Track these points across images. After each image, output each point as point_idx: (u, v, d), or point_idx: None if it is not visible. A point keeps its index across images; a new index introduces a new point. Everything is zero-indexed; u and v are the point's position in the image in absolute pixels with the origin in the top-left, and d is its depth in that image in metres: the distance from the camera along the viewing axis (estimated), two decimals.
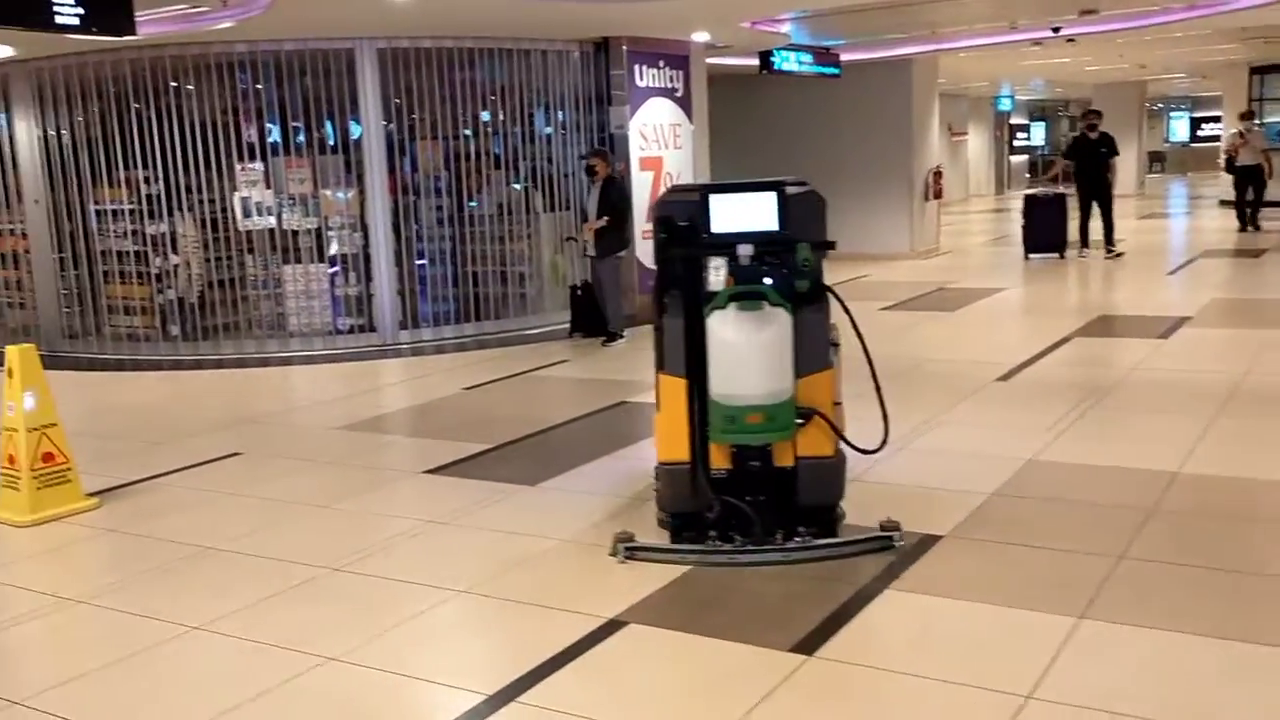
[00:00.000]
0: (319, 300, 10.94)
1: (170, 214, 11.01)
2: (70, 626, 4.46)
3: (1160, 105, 41.74)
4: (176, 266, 11.17)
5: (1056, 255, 15.12)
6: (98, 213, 11.30)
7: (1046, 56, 19.24)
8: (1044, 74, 25.11)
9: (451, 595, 4.46)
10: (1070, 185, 15.48)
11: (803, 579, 4.45)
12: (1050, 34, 13.79)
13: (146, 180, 10.92)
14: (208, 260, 11.26)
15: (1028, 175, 38.14)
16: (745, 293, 4.42)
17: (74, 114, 11.06)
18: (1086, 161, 15.02)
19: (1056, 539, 4.74)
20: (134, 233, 11.16)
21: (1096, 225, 14.94)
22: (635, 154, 11.90)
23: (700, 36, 12.14)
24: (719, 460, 4.56)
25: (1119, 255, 14.76)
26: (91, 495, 5.97)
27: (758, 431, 4.48)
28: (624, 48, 11.66)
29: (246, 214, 10.78)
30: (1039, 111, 39.90)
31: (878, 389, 4.90)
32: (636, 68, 11.87)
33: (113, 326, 11.44)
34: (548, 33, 11.18)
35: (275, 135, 10.77)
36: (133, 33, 7.63)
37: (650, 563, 4.62)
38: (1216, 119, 40.77)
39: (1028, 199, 15.83)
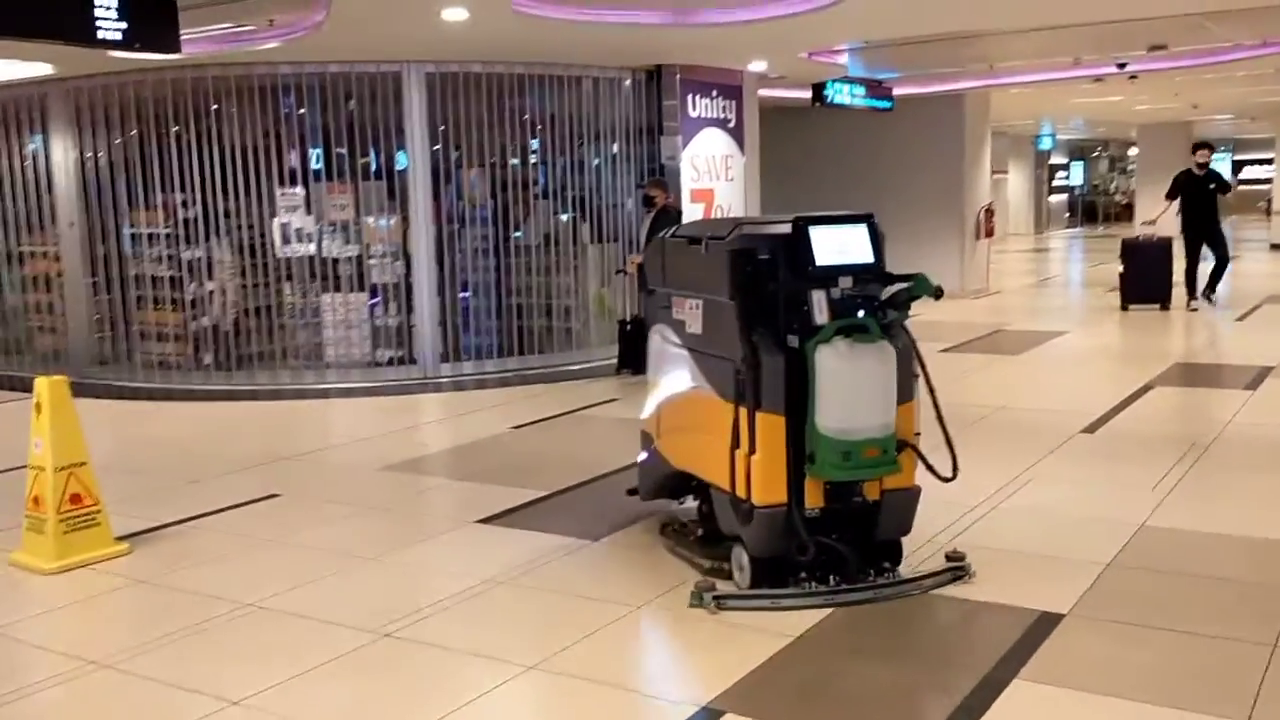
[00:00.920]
0: (358, 330, 10.54)
1: (207, 239, 10.67)
2: (94, 695, 4.01)
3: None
4: (211, 293, 10.80)
5: (1158, 307, 13.40)
6: (132, 236, 10.98)
7: (1099, 94, 18.76)
8: (1091, 113, 24.63)
9: (519, 671, 3.99)
10: (1147, 226, 14.07)
11: (914, 663, 3.96)
12: (1114, 70, 13.31)
13: (183, 204, 10.59)
14: (244, 287, 10.89)
15: (1067, 215, 37.62)
16: (857, 325, 4.33)
17: (111, 135, 10.75)
18: (1197, 200, 13.54)
19: (1196, 621, 4.23)
20: (169, 258, 10.81)
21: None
22: (687, 185, 11.50)
23: (757, 66, 11.76)
24: (813, 499, 4.41)
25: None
26: (121, 539, 5.55)
27: (873, 465, 4.39)
28: (677, 76, 11.29)
29: (286, 240, 10.41)
30: (1078, 151, 39.41)
31: (941, 421, 4.67)
32: (689, 97, 11.48)
33: (144, 354, 11.07)
34: (600, 59, 10.82)
35: (318, 161, 10.42)
36: (178, 50, 7.27)
37: (740, 611, 4.35)
38: (1261, 161, 40.28)
39: (1126, 245, 14.05)
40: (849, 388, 4.29)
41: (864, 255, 4.47)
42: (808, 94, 13.66)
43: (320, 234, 10.45)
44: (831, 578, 4.45)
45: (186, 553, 5.52)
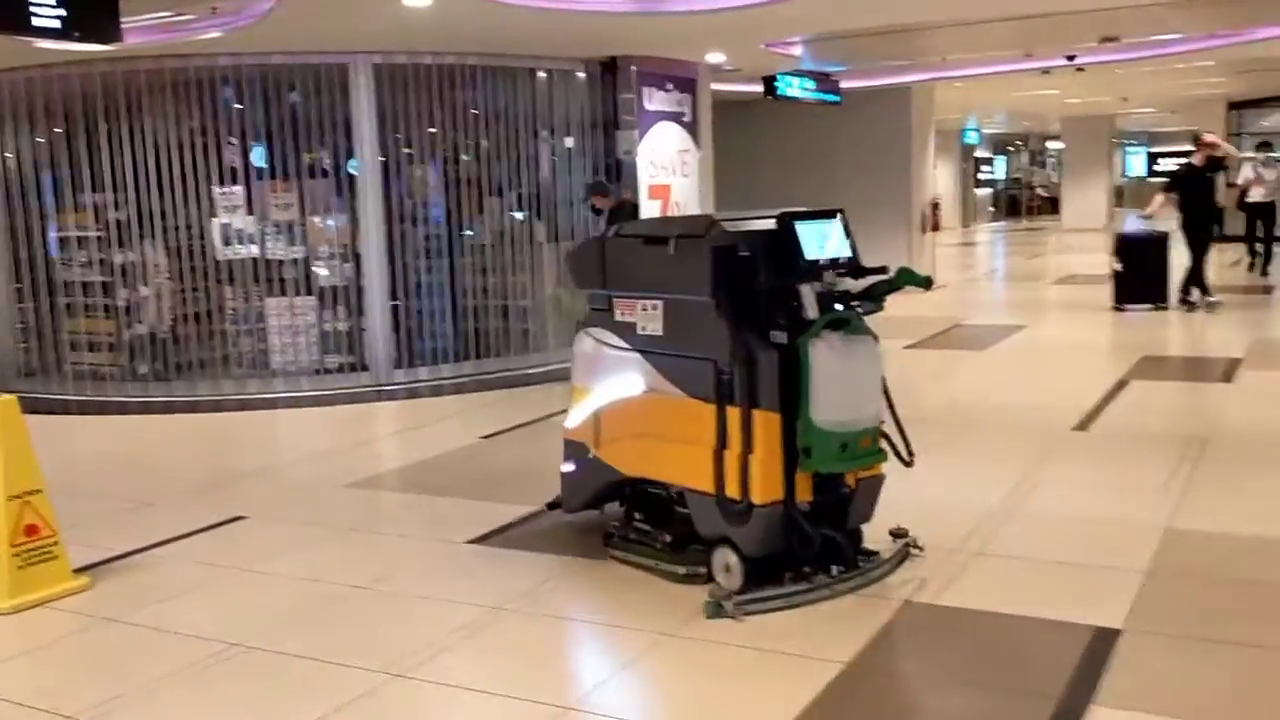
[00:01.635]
0: (305, 336, 10.03)
1: (140, 241, 10.07)
2: None
3: (1116, 140, 42.08)
4: (146, 299, 10.20)
5: (1151, 306, 12.59)
6: (60, 240, 10.33)
7: (1037, 88, 18.89)
8: (1021, 106, 24.87)
9: (558, 714, 3.63)
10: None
11: (984, 692, 3.70)
12: (1062, 62, 13.32)
13: (114, 205, 9.97)
14: (180, 292, 10.32)
15: (991, 209, 38.11)
16: (845, 319, 4.38)
17: (35, 132, 10.09)
18: (1199, 195, 12.69)
19: (1260, 632, 4.03)
20: (99, 262, 10.19)
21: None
22: (644, 181, 11.18)
23: (715, 57, 11.48)
24: (803, 493, 4.40)
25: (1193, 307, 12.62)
26: (79, 571, 5.06)
27: (867, 455, 4.46)
28: (633, 68, 10.95)
29: (226, 242, 9.86)
30: (999, 146, 39.94)
31: (892, 409, 4.69)
32: (645, 90, 11.16)
33: (74, 364, 10.42)
34: (555, 50, 10.44)
35: (260, 158, 9.89)
36: (119, 40, 6.78)
37: (764, 614, 4.26)
38: (1176, 154, 41.21)
39: (1121, 239, 13.06)
40: (844, 380, 4.30)
41: (843, 249, 4.55)
42: (758, 88, 13.51)
43: (263, 235, 9.92)
44: (833, 568, 4.47)
45: (153, 585, 5.05)
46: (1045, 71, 14.61)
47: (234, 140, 9.85)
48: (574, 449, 5.19)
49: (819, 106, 14.64)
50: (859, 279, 4.59)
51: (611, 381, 4.93)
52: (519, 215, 10.91)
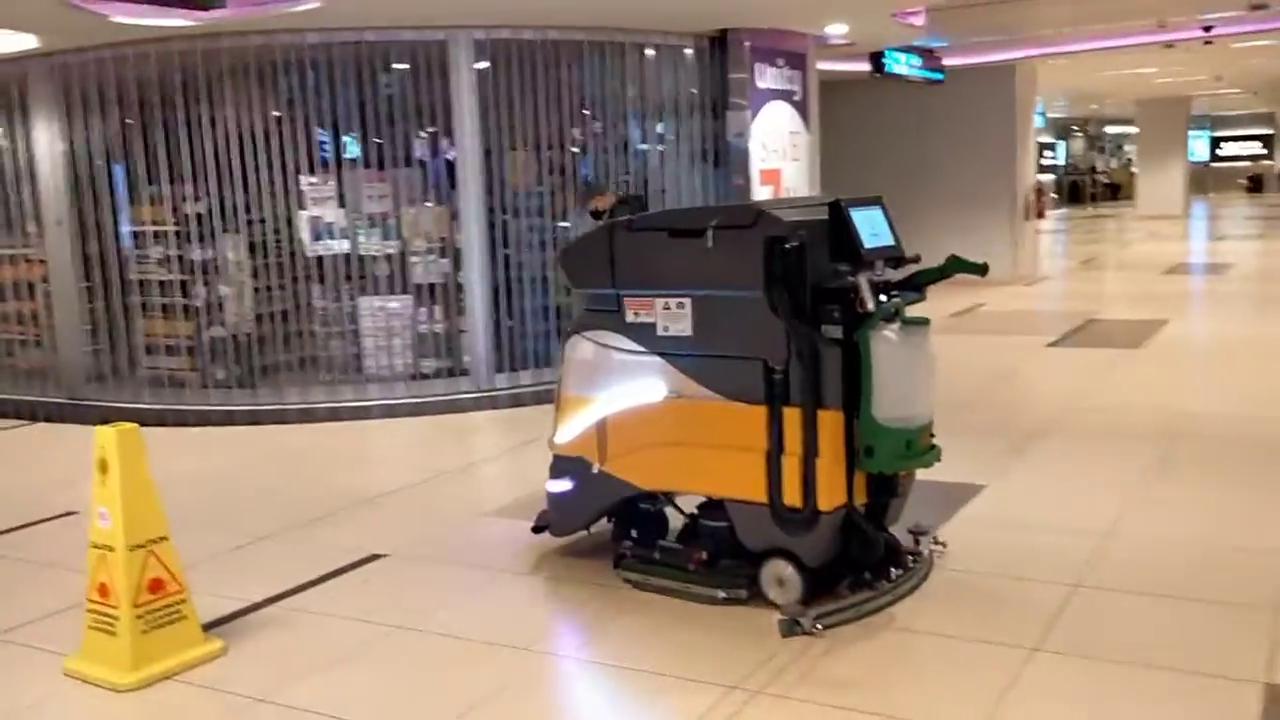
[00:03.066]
0: (400, 338, 9.22)
1: (217, 237, 9.29)
2: None
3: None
4: (225, 299, 9.42)
5: None
6: (133, 235, 9.57)
7: (1128, 65, 17.87)
8: (1104, 87, 23.74)
9: None
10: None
11: None
12: (1193, 35, 12.31)
13: (191, 198, 9.20)
14: (266, 290, 9.53)
15: (1054, 195, 36.92)
16: (898, 309, 4.16)
17: (106, 119, 9.30)
18: None
19: None
20: (175, 259, 9.42)
21: None
22: (755, 166, 10.30)
23: (836, 29, 10.56)
24: (860, 495, 4.25)
25: None
26: (208, 628, 4.25)
27: (928, 452, 4.33)
28: (746, 43, 10.06)
29: (317, 237, 9.06)
30: (1060, 131, 38.76)
31: None
32: (757, 67, 10.27)
33: (150, 369, 9.66)
34: (663, 22, 9.56)
35: (352, 146, 9.07)
36: (222, 5, 5.99)
37: (843, 625, 4.04)
38: (1245, 138, 39.90)
39: None
40: (905, 374, 4.14)
41: (888, 237, 4.37)
42: (859, 66, 12.61)
43: (354, 229, 9.11)
44: (892, 571, 4.34)
45: (300, 649, 4.23)
46: (1169, 45, 13.59)
47: (323, 126, 9.04)
48: (569, 465, 4.77)
49: (916, 87, 13.69)
50: (899, 269, 4.40)
51: (621, 389, 4.56)
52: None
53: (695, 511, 4.61)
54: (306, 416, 8.79)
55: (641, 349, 4.50)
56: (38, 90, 9.47)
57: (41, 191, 9.68)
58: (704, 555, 4.42)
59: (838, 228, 4.20)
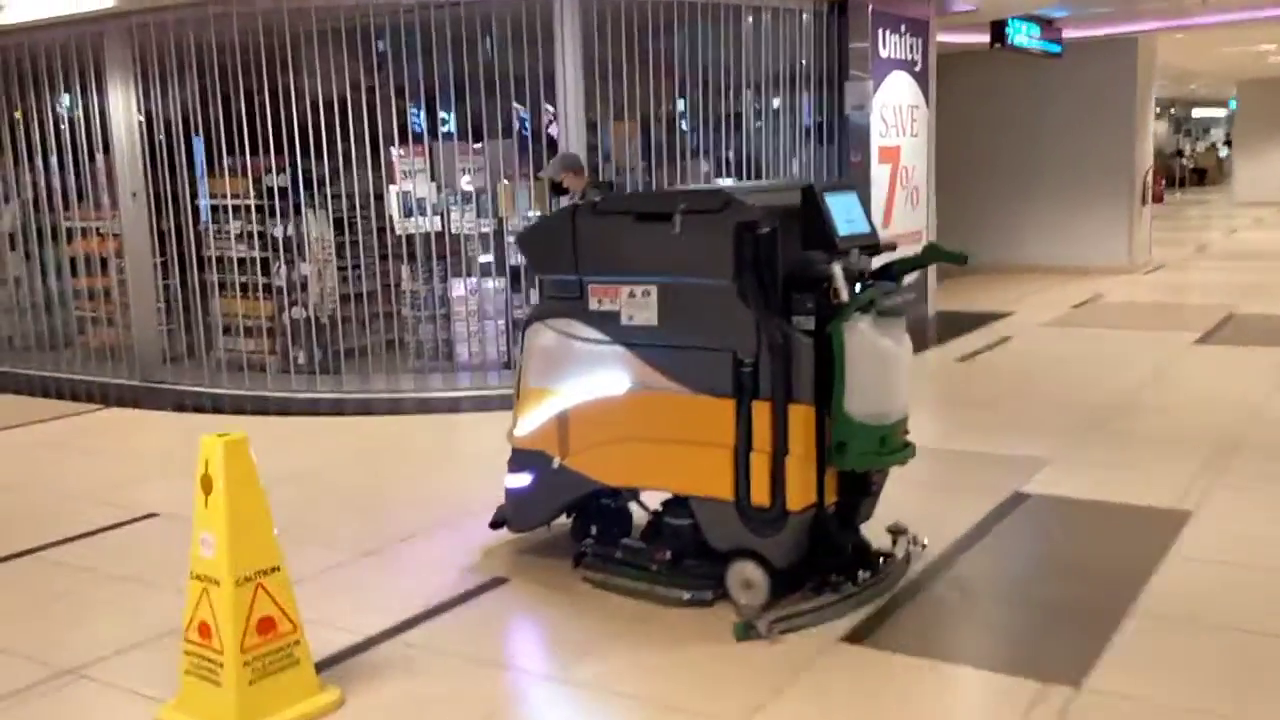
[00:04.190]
0: (495, 324, 8.59)
1: (299, 212, 8.70)
2: None
3: None
4: (306, 278, 8.84)
5: None
6: (211, 209, 9.01)
7: (1254, 41, 16.74)
8: (1215, 66, 22.49)
9: None
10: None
11: None
12: None
13: (272, 170, 8.62)
14: (342, 269, 8.95)
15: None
16: (872, 300, 3.96)
17: (184, 85, 8.73)
18: None
19: None
20: (255, 234, 8.85)
21: None
22: (875, 142, 9.52)
23: None
24: (831, 494, 4.06)
25: None
26: (318, 668, 3.62)
27: (903, 448, 4.13)
28: (869, 7, 9.27)
29: (406, 213, 8.43)
30: None
31: None
32: (879, 33, 9.48)
33: (228, 350, 9.12)
34: None
35: (447, 119, 8.42)
36: None
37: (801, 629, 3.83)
38: None
39: None
40: (882, 368, 3.96)
41: (864, 224, 4.16)
42: (968, 37, 11.79)
43: (447, 205, 8.48)
44: (860, 573, 4.12)
45: (429, 699, 3.58)
46: None
47: (416, 95, 8.40)
48: (528, 459, 4.56)
49: (1031, 61, 12.81)
50: (874, 257, 4.17)
51: (584, 380, 4.33)
52: (725, 182, 9.32)
53: (659, 508, 4.37)
54: (394, 407, 8.18)
55: (605, 338, 4.27)
56: (113, 53, 8.94)
57: (116, 162, 9.17)
58: (668, 555, 4.23)
59: (810, 214, 4.00)
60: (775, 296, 3.91)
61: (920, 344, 9.92)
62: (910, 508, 5.36)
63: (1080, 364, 8.64)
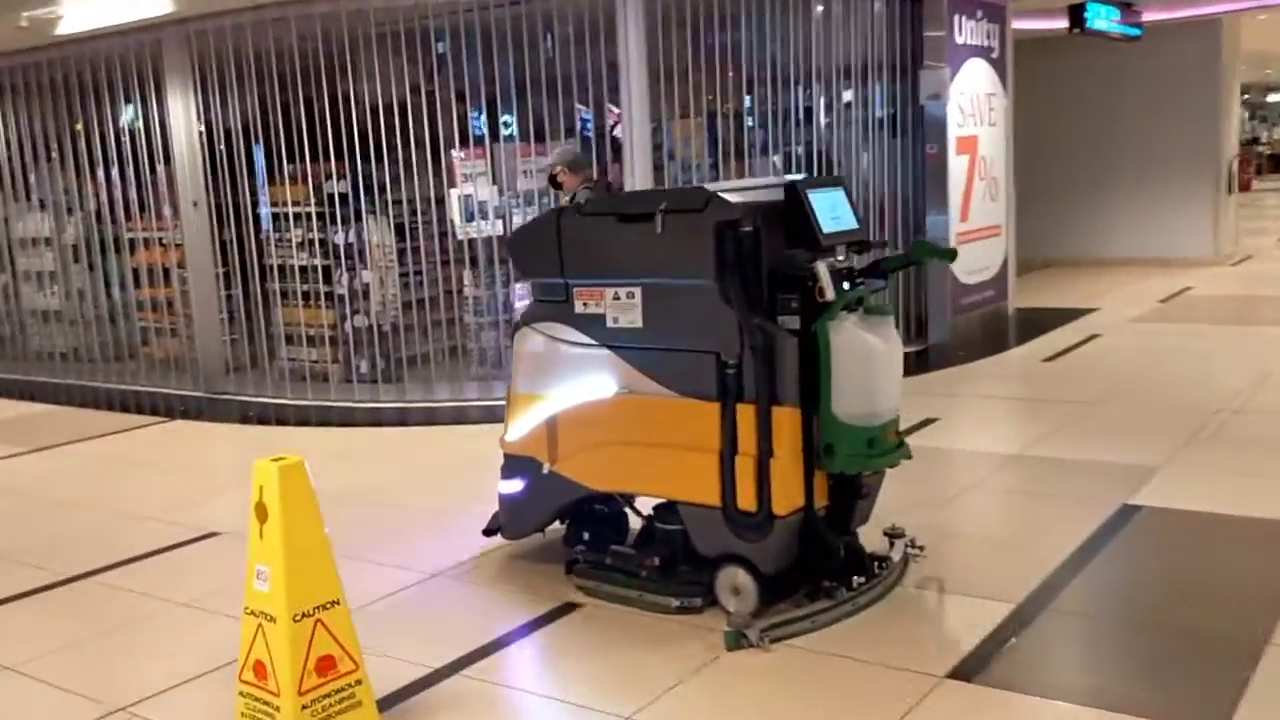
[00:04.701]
0: None
1: (360, 218, 8.54)
2: None
3: None
4: (368, 285, 8.67)
5: None
6: (272, 217, 8.88)
7: None
8: None
9: None
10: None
11: None
12: None
13: (334, 176, 8.46)
14: (403, 276, 8.78)
15: None
16: (861, 298, 3.95)
17: (244, 92, 8.61)
18: None
19: None
20: (315, 242, 8.71)
21: None
22: (952, 132, 9.13)
23: None
24: (821, 497, 3.95)
25: None
26: (382, 706, 3.39)
27: (894, 450, 4.05)
28: None
29: (468, 217, 8.22)
30: None
31: None
32: (956, 19, 9.09)
33: (290, 360, 8.99)
34: None
35: (509, 122, 8.20)
36: None
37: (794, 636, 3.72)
38: None
39: None
40: (870, 367, 3.88)
41: (851, 221, 4.09)
42: (1044, 23, 11.33)
43: (509, 208, 8.26)
44: (854, 579, 4.00)
45: None
46: None
47: (477, 97, 8.19)
48: (519, 465, 4.51)
49: (1110, 46, 12.28)
50: (863, 254, 4.14)
51: (571, 384, 4.28)
52: (795, 178, 8.98)
53: (652, 513, 4.30)
54: (458, 416, 7.96)
55: (591, 341, 4.22)
56: (172, 61, 8.85)
57: (177, 172, 9.08)
58: (656, 561, 4.14)
59: (794, 211, 3.91)
60: (759, 296, 3.84)
61: (1001, 343, 9.56)
62: (1009, 522, 5.04)
63: (1178, 362, 8.18)
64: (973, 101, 9.38)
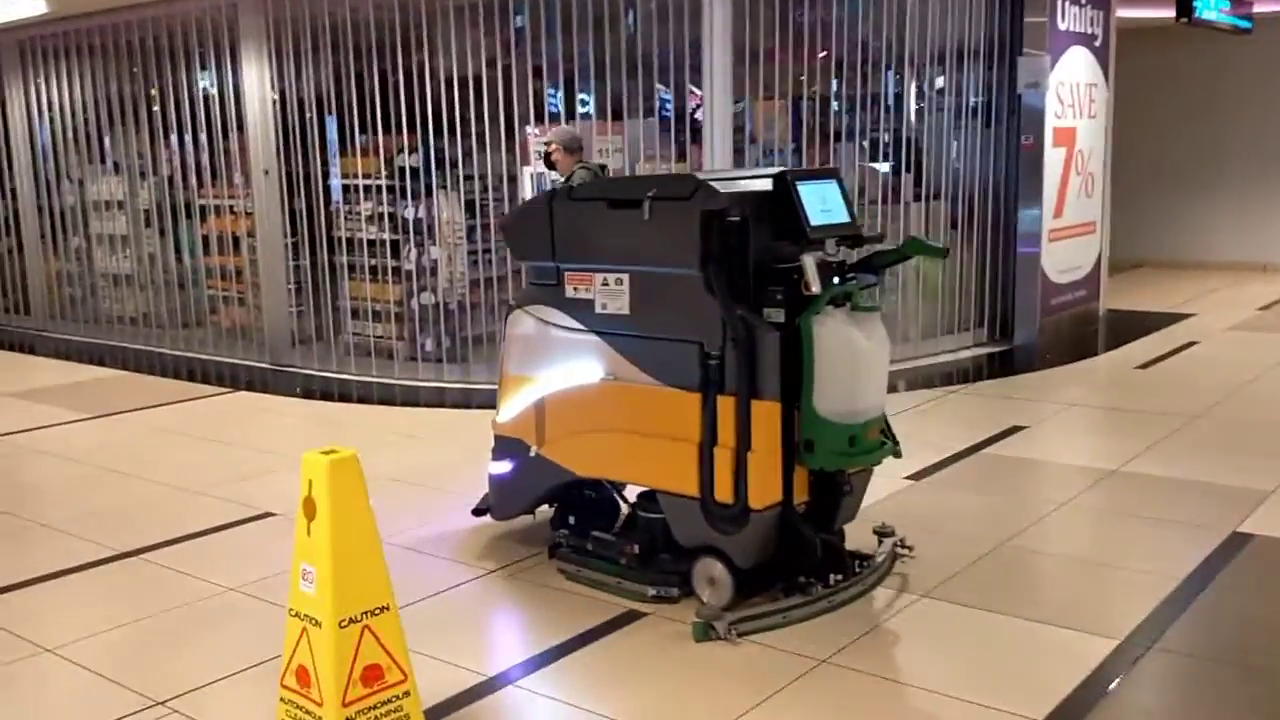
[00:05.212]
0: None
1: (431, 193, 8.36)
2: None
3: None
4: (436, 262, 8.49)
5: None
6: (343, 189, 8.74)
7: None
8: None
9: None
10: None
11: None
12: None
13: (406, 149, 8.28)
14: (473, 253, 8.57)
15: None
16: (849, 293, 3.85)
17: (318, 61, 8.46)
18: None
19: None
20: (385, 216, 8.54)
21: None
22: (1049, 123, 8.69)
23: None
24: (801, 492, 3.90)
25: None
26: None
27: (877, 449, 3.99)
28: None
29: None
30: None
31: None
32: (1059, 4, 8.64)
33: (356, 334, 8.85)
34: None
35: (587, 100, 7.94)
36: None
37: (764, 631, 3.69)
38: None
39: None
40: (854, 364, 3.83)
41: (843, 214, 4.04)
42: (1147, 12, 10.78)
43: None
44: (832, 576, 3.99)
45: None
46: None
47: (553, 72, 7.95)
48: (508, 447, 4.52)
49: (1217, 37, 11.67)
50: (857, 248, 4.13)
51: (560, 369, 4.29)
52: (881, 167, 8.64)
53: (635, 501, 4.31)
54: None
55: (580, 326, 4.21)
56: (248, 27, 8.73)
57: (250, 139, 8.97)
58: (635, 549, 4.14)
59: (782, 202, 3.87)
60: (745, 287, 3.81)
61: (1091, 346, 9.12)
62: (1107, 545, 4.68)
63: None
64: (1072, 92, 8.93)
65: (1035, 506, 5.08)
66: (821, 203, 3.95)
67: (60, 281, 11.27)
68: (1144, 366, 8.06)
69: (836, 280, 3.88)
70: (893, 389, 7.63)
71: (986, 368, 8.36)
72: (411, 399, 7.97)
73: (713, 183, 3.89)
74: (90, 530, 5.09)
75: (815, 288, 3.70)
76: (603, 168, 6.96)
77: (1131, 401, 7.15)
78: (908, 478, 5.50)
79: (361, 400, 8.03)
